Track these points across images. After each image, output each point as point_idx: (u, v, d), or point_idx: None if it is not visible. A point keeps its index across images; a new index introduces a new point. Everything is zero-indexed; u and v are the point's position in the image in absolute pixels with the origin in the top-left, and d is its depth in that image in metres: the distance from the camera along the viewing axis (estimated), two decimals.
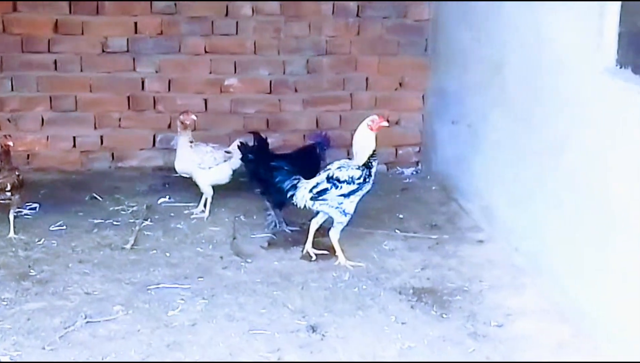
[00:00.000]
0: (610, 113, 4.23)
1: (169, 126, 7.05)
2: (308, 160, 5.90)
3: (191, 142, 6.05)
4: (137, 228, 5.83)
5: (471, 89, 6.36)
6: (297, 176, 5.42)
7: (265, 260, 5.41)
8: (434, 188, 6.90)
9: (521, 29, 5.42)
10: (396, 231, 5.92)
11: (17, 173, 5.69)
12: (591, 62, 4.36)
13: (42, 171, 6.96)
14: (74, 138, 7.09)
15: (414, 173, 7.36)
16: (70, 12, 6.85)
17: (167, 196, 6.46)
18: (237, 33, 7.08)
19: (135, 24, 6.94)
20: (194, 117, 6.09)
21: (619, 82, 4.09)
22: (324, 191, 5.33)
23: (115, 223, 5.95)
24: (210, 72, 7.14)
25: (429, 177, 7.10)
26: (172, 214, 6.14)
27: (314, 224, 5.49)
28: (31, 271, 5.12)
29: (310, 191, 5.36)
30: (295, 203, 5.43)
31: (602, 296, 4.35)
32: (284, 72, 7.23)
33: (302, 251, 5.49)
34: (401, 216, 6.20)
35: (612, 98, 4.18)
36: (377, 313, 4.72)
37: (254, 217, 6.12)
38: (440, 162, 7.02)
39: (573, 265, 4.69)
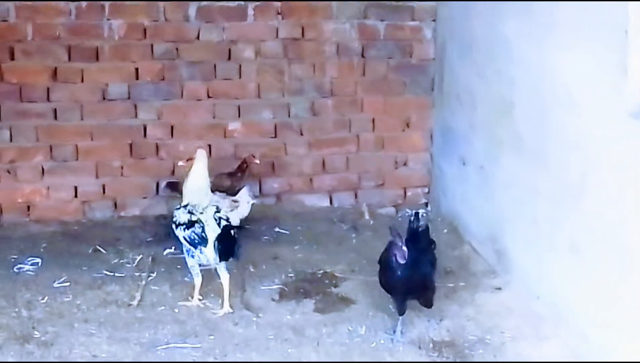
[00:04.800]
0: (635, 158, 4.07)
1: (172, 173, 6.89)
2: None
3: None
4: (143, 282, 5.63)
5: (480, 128, 6.22)
6: None
7: (277, 314, 5.23)
8: (445, 230, 6.69)
9: (530, 67, 5.28)
10: None
11: None
12: (613, 104, 4.20)
13: (42, 222, 6.75)
14: (75, 187, 6.90)
15: (424, 214, 7.16)
16: (68, 59, 6.70)
17: (172, 247, 6.23)
18: (239, 76, 6.96)
19: (136, 69, 6.81)
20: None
21: None
22: None
23: (118, 275, 5.77)
24: (213, 117, 7.00)
25: (439, 219, 6.91)
26: (178, 266, 5.92)
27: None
28: (35, 332, 4.91)
29: None
30: None
31: (627, 347, 4.18)
32: (288, 115, 7.09)
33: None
34: None
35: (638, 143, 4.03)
36: None
37: (263, 267, 5.94)
38: (450, 203, 6.86)
39: (595, 314, 4.52)
